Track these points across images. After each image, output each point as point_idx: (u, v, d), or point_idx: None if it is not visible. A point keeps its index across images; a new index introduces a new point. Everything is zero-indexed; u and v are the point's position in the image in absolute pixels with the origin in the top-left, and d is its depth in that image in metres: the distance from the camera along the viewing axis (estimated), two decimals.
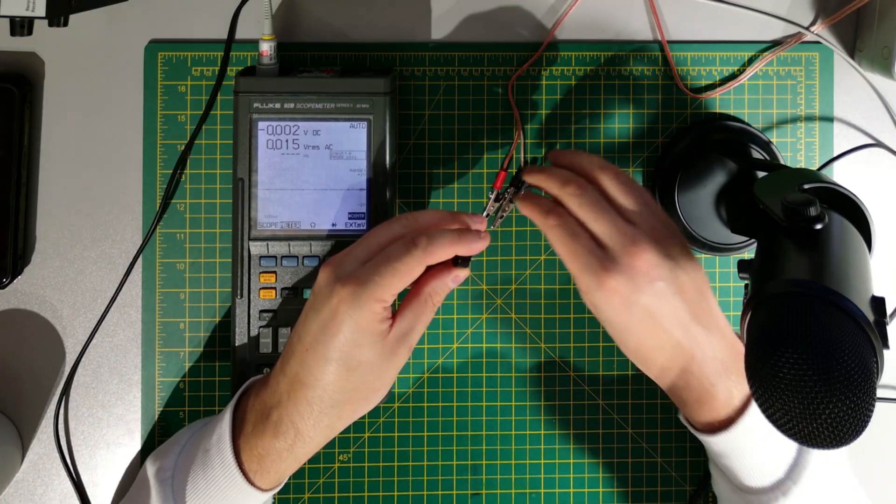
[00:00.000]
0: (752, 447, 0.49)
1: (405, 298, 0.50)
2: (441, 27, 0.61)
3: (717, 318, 0.49)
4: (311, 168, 0.55)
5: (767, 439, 0.48)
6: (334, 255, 0.49)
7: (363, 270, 0.46)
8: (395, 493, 0.60)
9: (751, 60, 0.62)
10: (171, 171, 0.60)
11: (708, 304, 0.48)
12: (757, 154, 0.58)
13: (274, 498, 0.60)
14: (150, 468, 0.52)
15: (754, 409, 0.48)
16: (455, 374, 0.61)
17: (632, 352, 0.49)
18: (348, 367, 0.47)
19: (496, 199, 0.59)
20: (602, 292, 0.47)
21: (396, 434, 0.60)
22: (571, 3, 0.61)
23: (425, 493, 0.60)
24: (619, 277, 0.46)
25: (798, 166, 0.61)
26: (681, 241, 0.49)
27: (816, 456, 0.49)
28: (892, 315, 0.61)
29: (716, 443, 0.49)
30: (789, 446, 0.49)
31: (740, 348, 0.49)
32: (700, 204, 0.58)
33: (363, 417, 0.60)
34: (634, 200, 0.49)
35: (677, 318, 0.47)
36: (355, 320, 0.46)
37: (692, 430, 0.51)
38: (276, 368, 0.49)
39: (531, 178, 0.53)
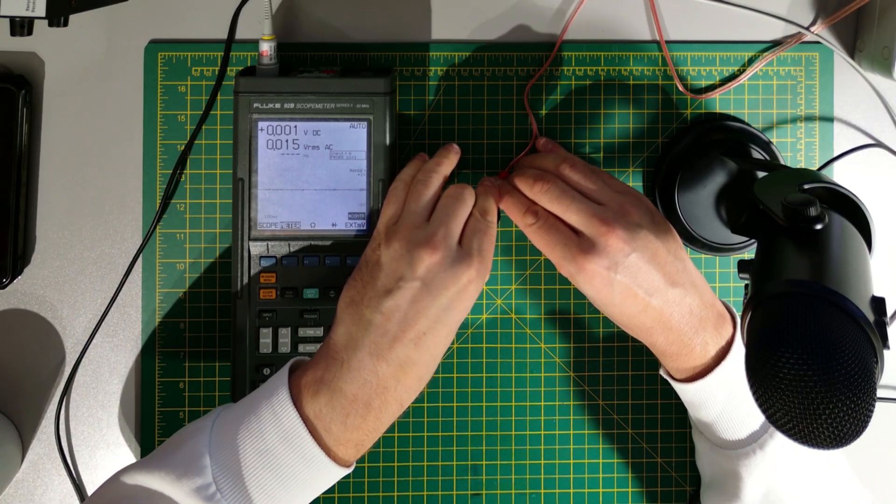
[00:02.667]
0: (727, 396, 0.52)
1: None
2: (441, 27, 0.61)
3: (691, 276, 0.52)
4: (311, 168, 0.55)
5: (742, 390, 0.51)
6: (419, 235, 0.49)
7: (476, 249, 0.50)
8: (395, 494, 0.60)
9: (751, 60, 0.62)
10: (171, 171, 0.60)
11: (682, 265, 0.52)
12: (757, 154, 0.58)
13: None
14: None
15: (729, 361, 0.51)
16: (455, 375, 0.61)
17: (616, 319, 0.53)
18: (455, 325, 0.49)
19: None
20: (583, 275, 0.51)
21: (396, 434, 0.60)
22: (576, 5, 0.61)
23: (425, 493, 0.60)
24: (596, 259, 0.50)
25: (798, 166, 0.61)
26: (647, 208, 0.53)
27: None
28: (892, 315, 0.61)
29: (693, 391, 0.52)
30: None
31: (715, 304, 0.52)
32: (700, 204, 0.58)
33: None
34: (595, 183, 0.53)
35: (654, 286, 0.50)
36: (478, 288, 0.50)
37: (672, 382, 0.54)
38: (361, 361, 0.46)
39: (512, 182, 0.57)
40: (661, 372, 0.55)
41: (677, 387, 0.54)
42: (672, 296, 0.50)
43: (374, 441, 0.48)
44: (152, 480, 0.46)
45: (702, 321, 0.51)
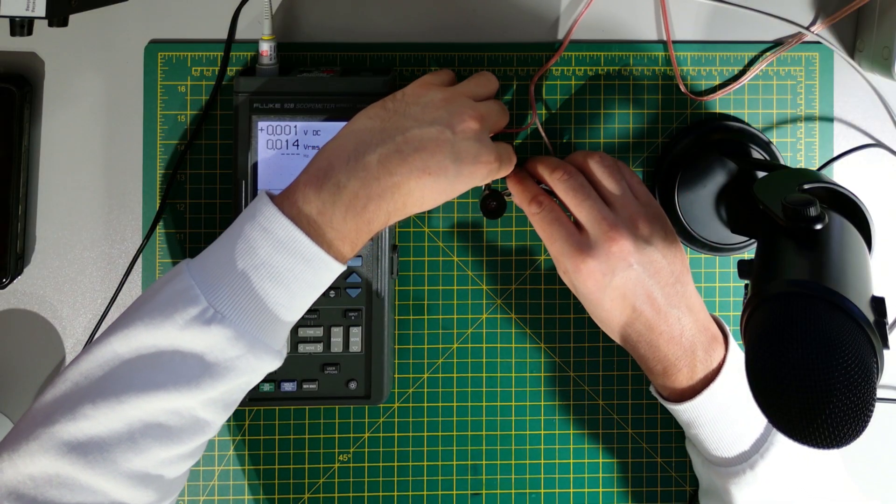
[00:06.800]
0: (717, 417, 0.51)
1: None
2: (441, 27, 0.61)
3: (690, 301, 0.52)
4: None
5: (732, 412, 0.51)
6: (467, 103, 0.50)
7: (503, 152, 0.51)
8: (395, 493, 0.60)
9: (751, 61, 0.62)
10: (171, 171, 0.60)
11: (683, 289, 0.52)
12: (757, 154, 0.58)
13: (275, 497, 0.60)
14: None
15: (718, 384, 0.51)
16: (455, 374, 0.61)
17: (601, 323, 0.53)
18: (447, 193, 0.49)
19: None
20: (578, 274, 0.51)
21: (396, 434, 0.60)
22: (584, 5, 0.61)
23: (425, 493, 0.60)
24: (594, 261, 0.50)
25: (798, 166, 0.61)
26: (663, 227, 0.53)
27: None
28: (892, 317, 0.61)
29: (682, 411, 0.52)
30: (757, 421, 0.51)
31: (710, 327, 0.52)
32: (700, 204, 0.58)
33: (363, 417, 0.60)
34: (618, 186, 0.53)
35: (650, 299, 0.50)
36: (486, 173, 0.50)
37: (661, 401, 0.54)
38: (368, 164, 0.46)
39: (528, 167, 0.57)
40: (651, 389, 0.55)
41: (665, 405, 0.54)
42: (667, 314, 0.51)
43: (364, 241, 0.47)
44: (135, 334, 0.43)
45: (692, 345, 0.51)
